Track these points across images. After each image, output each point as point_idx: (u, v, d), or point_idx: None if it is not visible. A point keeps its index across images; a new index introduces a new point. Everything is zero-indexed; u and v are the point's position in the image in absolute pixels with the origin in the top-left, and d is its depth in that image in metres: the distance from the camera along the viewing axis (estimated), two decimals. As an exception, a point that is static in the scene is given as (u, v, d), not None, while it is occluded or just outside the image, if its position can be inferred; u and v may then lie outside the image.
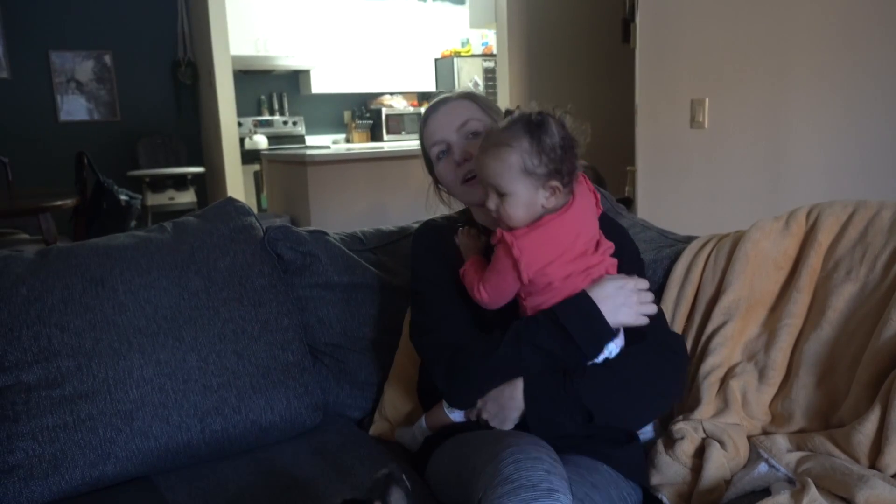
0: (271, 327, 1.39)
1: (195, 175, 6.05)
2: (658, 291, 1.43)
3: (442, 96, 1.31)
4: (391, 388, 1.46)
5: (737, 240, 1.43)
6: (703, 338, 1.36)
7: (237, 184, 5.78)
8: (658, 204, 2.99)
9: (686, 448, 1.20)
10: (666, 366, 1.19)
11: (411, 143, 6.03)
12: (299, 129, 7.05)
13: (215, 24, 5.47)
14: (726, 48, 2.66)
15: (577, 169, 1.10)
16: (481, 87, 7.20)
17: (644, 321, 1.13)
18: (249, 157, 6.34)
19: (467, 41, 7.41)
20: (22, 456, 1.17)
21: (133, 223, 3.74)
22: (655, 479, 1.20)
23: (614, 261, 1.15)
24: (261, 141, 6.67)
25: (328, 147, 6.59)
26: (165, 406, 1.25)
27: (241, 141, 6.19)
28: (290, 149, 6.25)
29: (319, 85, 6.99)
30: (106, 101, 6.01)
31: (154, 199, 5.85)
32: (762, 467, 1.15)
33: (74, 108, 5.91)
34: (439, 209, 1.38)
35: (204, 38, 5.70)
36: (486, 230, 1.28)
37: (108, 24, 5.92)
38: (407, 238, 1.60)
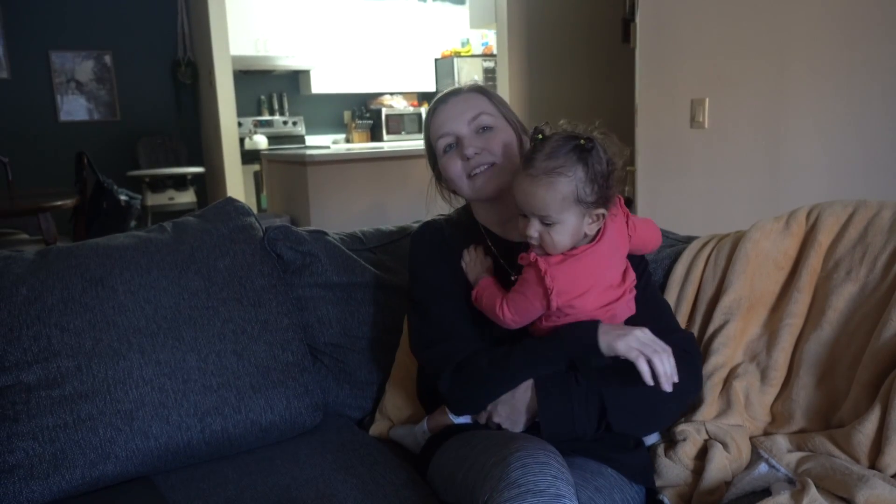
0: (271, 327, 1.39)
1: (195, 175, 6.06)
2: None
3: (452, 88, 1.28)
4: (392, 388, 1.46)
5: (737, 240, 1.43)
6: (705, 338, 1.36)
7: (237, 184, 5.78)
8: (658, 204, 2.99)
9: (688, 450, 1.20)
10: (681, 370, 1.12)
11: (411, 144, 6.04)
12: (299, 129, 7.05)
13: (215, 24, 5.47)
14: (726, 48, 2.66)
15: (616, 193, 1.07)
16: (481, 87, 7.19)
17: (635, 357, 1.04)
18: (249, 157, 6.34)
19: (467, 41, 7.41)
20: (22, 456, 1.17)
21: (133, 223, 3.74)
22: (656, 482, 1.20)
23: (633, 292, 1.13)
24: (261, 141, 6.67)
25: (328, 147, 6.58)
26: (165, 406, 1.25)
27: (241, 141, 6.19)
28: (289, 149, 6.24)
29: (319, 85, 6.99)
30: (106, 101, 6.01)
31: (154, 200, 5.86)
32: (762, 467, 1.15)
33: (74, 108, 5.92)
34: (439, 206, 1.36)
35: (204, 37, 5.70)
36: (490, 237, 1.27)
37: (107, 24, 5.92)
38: (407, 238, 1.59)
